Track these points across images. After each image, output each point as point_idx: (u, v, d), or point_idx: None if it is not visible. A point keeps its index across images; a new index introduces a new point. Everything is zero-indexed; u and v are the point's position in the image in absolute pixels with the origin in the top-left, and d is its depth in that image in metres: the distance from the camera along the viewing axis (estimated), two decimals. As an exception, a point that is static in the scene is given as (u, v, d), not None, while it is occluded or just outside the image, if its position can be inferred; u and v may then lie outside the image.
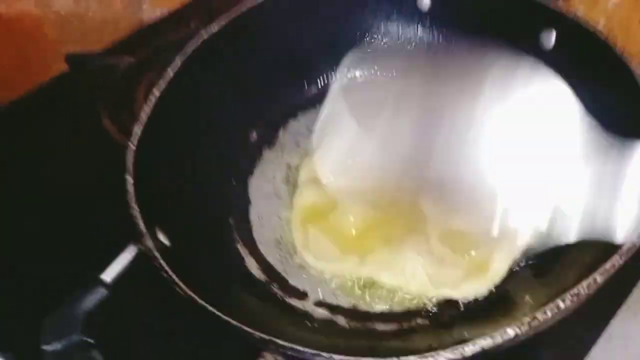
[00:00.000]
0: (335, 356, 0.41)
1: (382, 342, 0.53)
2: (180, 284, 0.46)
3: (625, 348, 0.55)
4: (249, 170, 0.68)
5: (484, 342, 0.40)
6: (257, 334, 0.43)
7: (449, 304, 0.55)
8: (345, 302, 0.57)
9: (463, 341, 0.40)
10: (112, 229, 0.52)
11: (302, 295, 0.58)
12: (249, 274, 0.60)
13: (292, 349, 0.42)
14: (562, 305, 0.40)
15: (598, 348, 0.54)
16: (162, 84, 0.60)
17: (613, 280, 0.42)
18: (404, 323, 0.55)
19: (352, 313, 0.56)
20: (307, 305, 0.57)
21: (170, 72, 0.61)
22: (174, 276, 0.46)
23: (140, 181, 0.53)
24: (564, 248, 0.51)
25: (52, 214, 0.69)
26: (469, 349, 0.40)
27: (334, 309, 0.57)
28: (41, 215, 0.69)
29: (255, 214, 0.65)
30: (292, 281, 0.60)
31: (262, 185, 0.68)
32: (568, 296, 0.40)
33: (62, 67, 0.83)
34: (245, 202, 0.66)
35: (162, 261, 0.47)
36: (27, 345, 0.46)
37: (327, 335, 0.53)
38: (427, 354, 0.40)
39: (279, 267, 0.61)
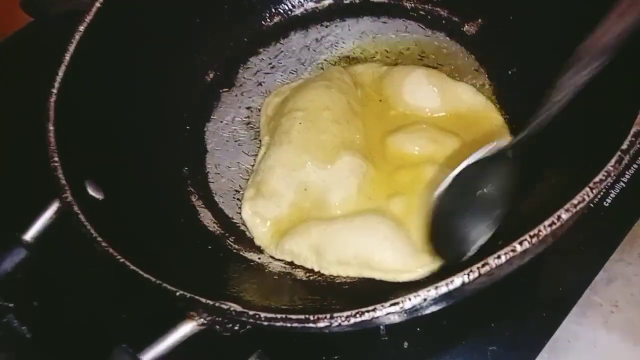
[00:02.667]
0: (263, 314, 0.36)
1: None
2: (99, 239, 0.41)
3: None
4: (205, 115, 0.62)
5: (427, 294, 0.34)
6: (179, 292, 0.38)
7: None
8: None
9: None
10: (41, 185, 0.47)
11: (260, 248, 0.53)
12: (202, 228, 0.55)
13: (216, 307, 0.37)
14: (518, 248, 0.33)
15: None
16: (88, 17, 0.51)
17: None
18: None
19: (311, 266, 0.51)
20: (264, 258, 0.53)
21: (97, 3, 0.52)
22: (92, 231, 0.42)
23: (65, 130, 0.48)
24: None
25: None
26: (408, 302, 0.34)
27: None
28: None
29: (212, 162, 0.60)
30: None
31: (219, 131, 0.62)
32: (526, 238, 0.34)
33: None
34: (201, 151, 0.61)
35: (80, 215, 0.43)
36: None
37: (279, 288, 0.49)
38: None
39: (236, 218, 0.56)
